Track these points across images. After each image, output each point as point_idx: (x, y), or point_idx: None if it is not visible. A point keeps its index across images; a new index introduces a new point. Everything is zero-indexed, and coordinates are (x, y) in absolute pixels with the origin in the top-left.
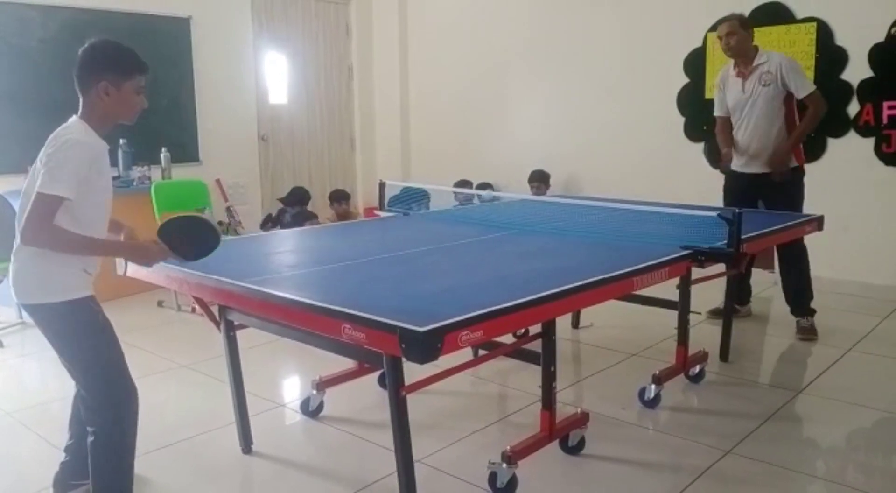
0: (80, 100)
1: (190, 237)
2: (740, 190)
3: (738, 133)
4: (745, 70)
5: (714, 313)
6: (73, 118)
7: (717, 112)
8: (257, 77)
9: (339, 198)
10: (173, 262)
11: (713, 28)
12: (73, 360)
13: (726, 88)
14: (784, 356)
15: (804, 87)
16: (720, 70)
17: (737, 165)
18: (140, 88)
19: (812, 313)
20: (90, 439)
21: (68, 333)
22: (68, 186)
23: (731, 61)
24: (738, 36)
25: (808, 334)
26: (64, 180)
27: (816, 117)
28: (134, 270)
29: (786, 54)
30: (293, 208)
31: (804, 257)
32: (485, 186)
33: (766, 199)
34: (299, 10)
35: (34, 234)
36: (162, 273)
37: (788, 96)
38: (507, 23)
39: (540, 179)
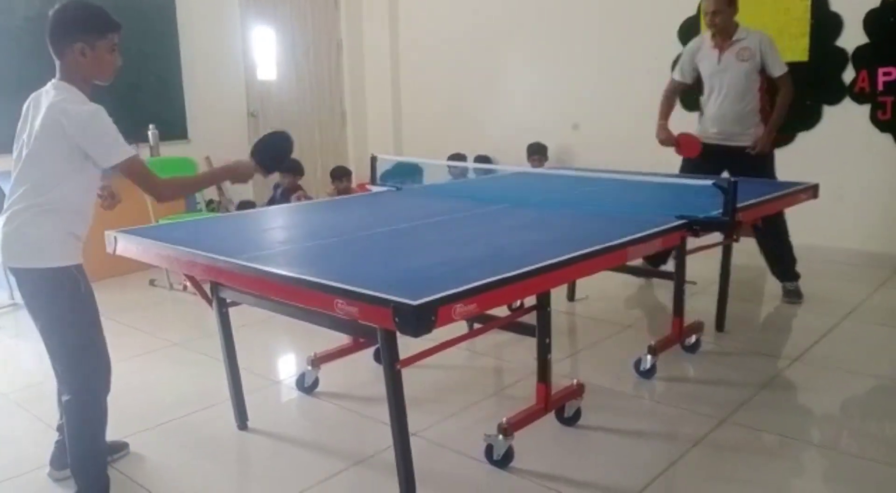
0: (57, 64)
1: (274, 150)
2: (705, 160)
3: (710, 103)
4: (724, 44)
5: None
6: (58, 83)
7: (676, 76)
8: (245, 52)
9: (341, 175)
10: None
11: None
12: (49, 326)
13: (698, 57)
14: (779, 325)
15: (780, 66)
16: (694, 39)
17: (708, 136)
18: (114, 47)
19: (797, 276)
20: (65, 402)
21: (50, 299)
22: (127, 146)
23: (709, 33)
24: (724, 14)
25: (793, 297)
26: (121, 140)
27: (790, 97)
28: (124, 247)
29: (765, 33)
30: (288, 178)
31: (781, 221)
32: (483, 159)
33: (735, 171)
34: None
35: (161, 191)
36: (153, 251)
37: (761, 72)
38: None
39: (538, 152)
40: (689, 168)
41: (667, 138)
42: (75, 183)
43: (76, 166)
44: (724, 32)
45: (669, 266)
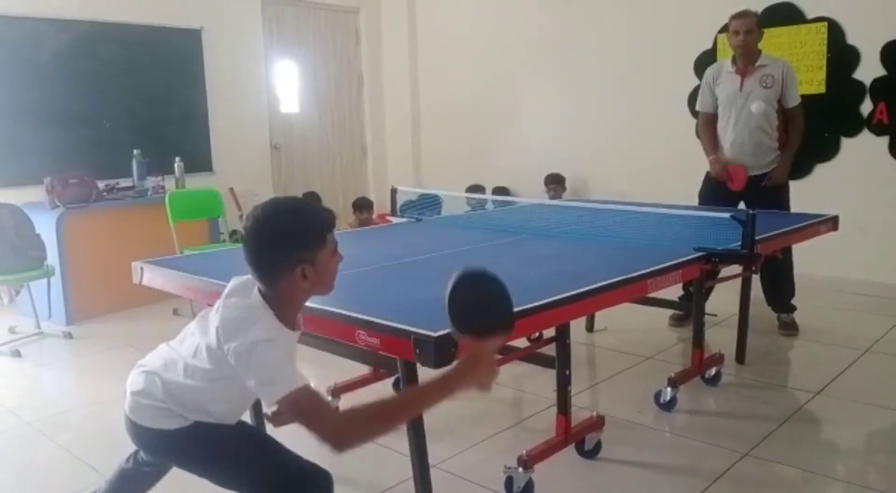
0: (261, 285)
1: (483, 307)
2: (720, 191)
3: (727, 129)
4: (746, 69)
5: (676, 320)
6: (258, 299)
7: (702, 108)
8: (268, 86)
9: (363, 206)
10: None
11: (723, 30)
12: (235, 480)
13: (717, 83)
14: (800, 358)
15: (796, 98)
16: (711, 67)
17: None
18: (335, 247)
19: (794, 308)
20: None
21: (208, 454)
22: (295, 371)
23: (728, 59)
24: (755, 35)
25: (789, 329)
26: (287, 371)
27: (803, 128)
28: (149, 278)
29: (787, 62)
30: None
31: (789, 253)
32: (501, 190)
33: (751, 201)
34: (309, 18)
35: (340, 435)
36: (178, 281)
37: (778, 102)
38: (516, 27)
39: (556, 182)
40: (707, 198)
41: (722, 169)
42: (221, 388)
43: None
44: (750, 56)
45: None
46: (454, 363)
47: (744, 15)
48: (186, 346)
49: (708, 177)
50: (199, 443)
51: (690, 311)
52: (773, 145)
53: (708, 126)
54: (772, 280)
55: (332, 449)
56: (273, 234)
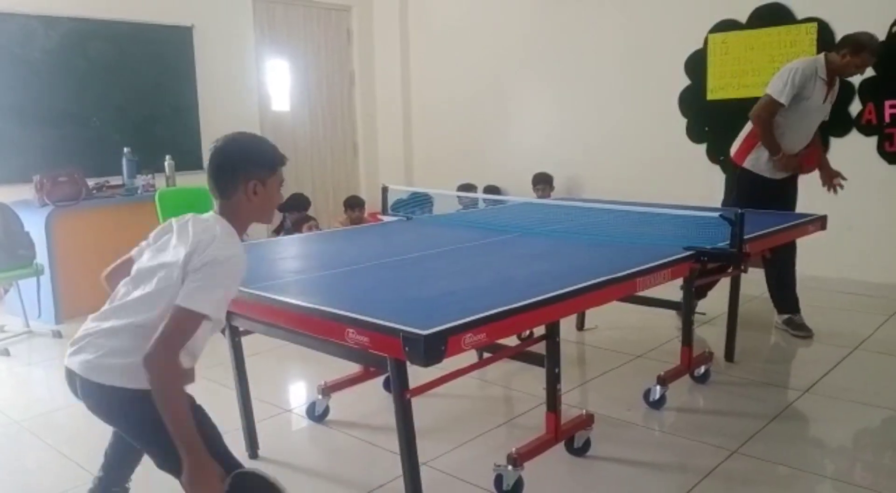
0: (218, 203)
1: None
2: (769, 195)
3: (797, 134)
4: (832, 83)
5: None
6: (219, 219)
7: (783, 98)
8: (259, 84)
9: (354, 204)
10: None
11: (714, 29)
12: (163, 449)
13: (809, 86)
14: (789, 356)
15: (770, 87)
16: (808, 62)
17: (775, 170)
18: (282, 182)
19: (797, 310)
20: None
21: (152, 421)
22: (215, 307)
23: (822, 63)
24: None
25: (804, 330)
26: (215, 298)
27: (755, 119)
28: None
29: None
30: (292, 214)
31: (790, 253)
32: (492, 189)
33: (775, 200)
34: (301, 16)
35: (160, 362)
36: None
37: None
38: (508, 26)
39: (544, 181)
40: (753, 196)
41: (797, 163)
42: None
43: (213, 321)
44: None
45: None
46: (202, 458)
47: (873, 49)
48: (154, 282)
49: (752, 178)
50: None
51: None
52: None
53: (771, 117)
54: (773, 280)
55: (143, 361)
56: (237, 150)
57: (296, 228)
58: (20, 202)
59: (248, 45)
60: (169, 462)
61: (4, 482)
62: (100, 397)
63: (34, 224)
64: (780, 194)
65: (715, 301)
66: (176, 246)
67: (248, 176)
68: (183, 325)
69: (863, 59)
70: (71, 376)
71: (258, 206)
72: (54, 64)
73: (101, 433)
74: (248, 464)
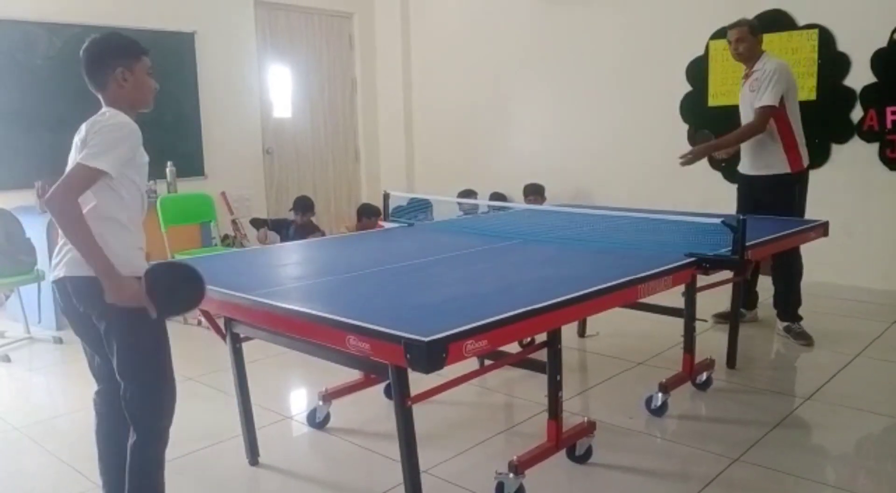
0: (101, 97)
1: (173, 290)
2: (742, 192)
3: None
4: (749, 74)
5: (719, 317)
6: (106, 109)
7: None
8: (261, 91)
9: (371, 213)
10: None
11: (715, 36)
12: (127, 345)
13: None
14: (791, 363)
15: (764, 99)
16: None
17: (741, 167)
18: (150, 69)
19: (799, 318)
20: (132, 439)
21: (127, 311)
22: (111, 164)
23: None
24: (747, 42)
25: (805, 339)
26: (109, 156)
27: (748, 132)
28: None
29: (784, 62)
30: (299, 215)
31: (794, 260)
32: (497, 196)
33: (762, 202)
34: (303, 23)
35: (58, 199)
36: None
37: (780, 103)
38: (509, 33)
39: (535, 192)
40: (739, 202)
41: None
42: (117, 196)
43: (114, 178)
44: (747, 61)
45: (679, 302)
46: (117, 273)
47: (735, 25)
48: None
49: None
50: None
51: (732, 312)
52: (775, 146)
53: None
54: (776, 286)
55: (45, 202)
56: (100, 45)
57: (298, 235)
58: (21, 208)
59: (250, 52)
60: (130, 352)
61: (5, 489)
62: (87, 289)
63: (35, 230)
64: (747, 197)
65: (716, 307)
66: (76, 144)
67: (114, 65)
68: (80, 176)
69: (727, 40)
70: (60, 285)
71: (132, 91)
72: (57, 70)
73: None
74: (247, 471)
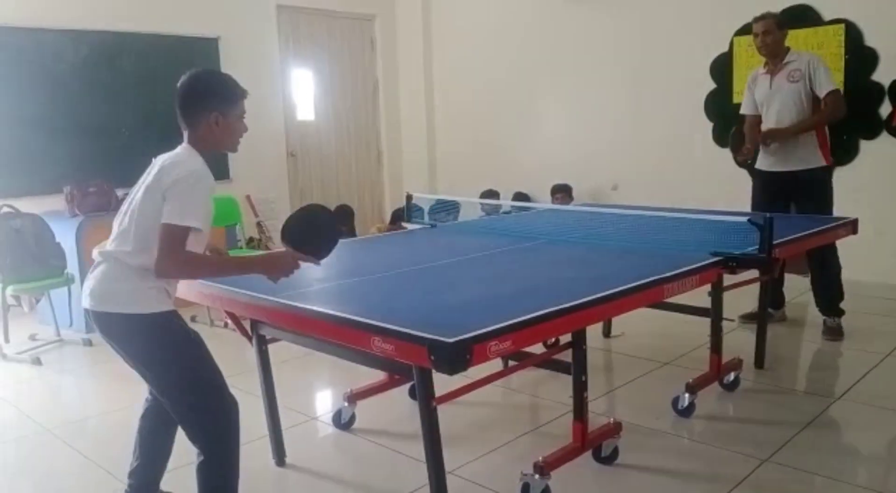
0: (186, 133)
1: (312, 232)
2: (768, 190)
3: (765, 126)
4: (775, 68)
5: (746, 318)
6: (185, 146)
7: (743, 110)
8: (285, 94)
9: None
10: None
11: (739, 32)
12: (163, 376)
13: (755, 85)
14: (820, 362)
15: (827, 85)
16: (751, 72)
17: (764, 164)
18: (243, 114)
19: (840, 313)
20: (198, 459)
21: (157, 346)
22: (200, 220)
23: (763, 62)
24: (774, 35)
25: (834, 334)
26: (194, 212)
27: (831, 115)
28: None
29: (815, 54)
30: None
31: (833, 255)
32: (521, 196)
33: (795, 199)
34: (324, 27)
35: (171, 264)
36: (195, 289)
37: (816, 98)
38: (530, 33)
39: (562, 191)
40: (758, 200)
41: (749, 150)
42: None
43: (202, 231)
44: (774, 55)
45: (705, 302)
46: (263, 254)
47: (761, 18)
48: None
49: (754, 181)
50: (161, 330)
51: (759, 312)
52: (810, 140)
53: (750, 128)
54: (816, 282)
55: (156, 271)
56: (201, 84)
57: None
58: (51, 213)
59: (273, 56)
60: (164, 381)
61: (35, 488)
62: (108, 324)
63: (65, 234)
64: (776, 195)
65: (743, 307)
66: (141, 183)
67: (210, 108)
68: (174, 236)
69: (753, 33)
70: (87, 313)
71: (220, 136)
72: (83, 77)
73: (130, 441)
74: (274, 472)
